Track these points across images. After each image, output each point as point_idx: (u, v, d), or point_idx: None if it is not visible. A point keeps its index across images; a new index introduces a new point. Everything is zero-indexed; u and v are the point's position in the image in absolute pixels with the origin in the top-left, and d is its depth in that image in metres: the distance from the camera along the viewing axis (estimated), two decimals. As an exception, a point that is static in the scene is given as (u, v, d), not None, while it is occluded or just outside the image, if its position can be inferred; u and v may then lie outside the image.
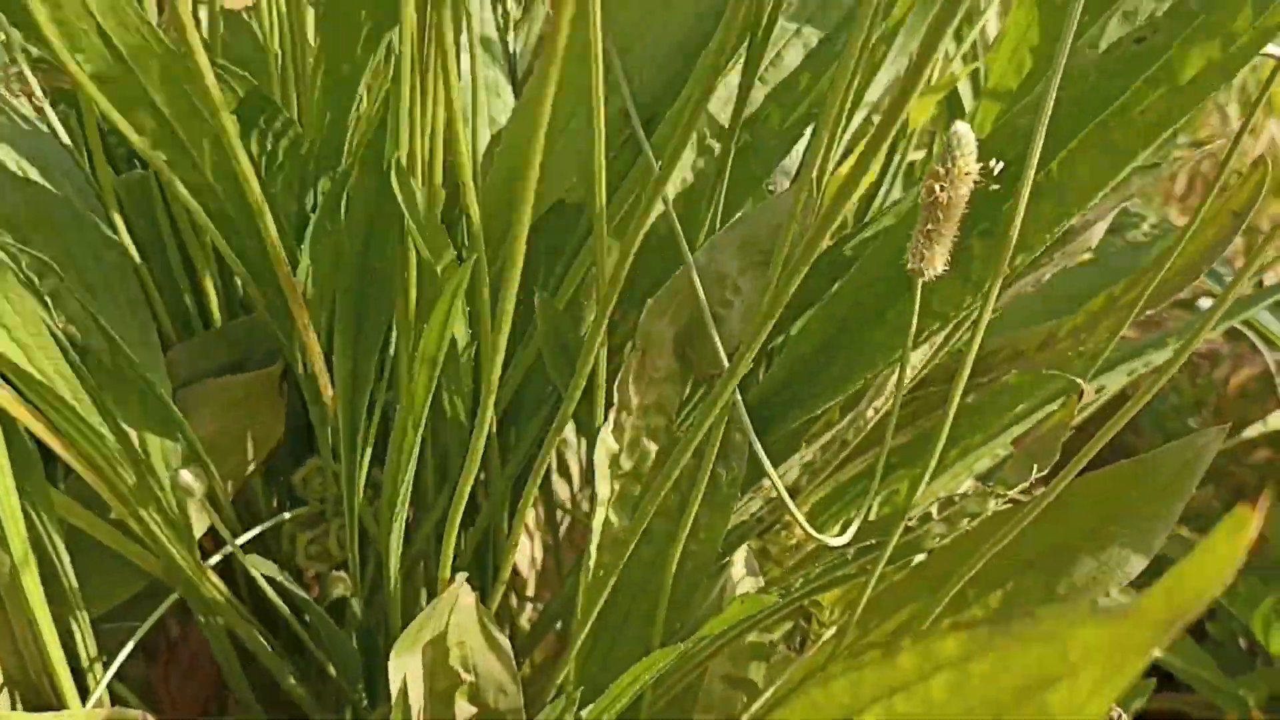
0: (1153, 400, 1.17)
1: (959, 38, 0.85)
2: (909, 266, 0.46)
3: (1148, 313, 0.58)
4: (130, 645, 0.63)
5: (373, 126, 0.56)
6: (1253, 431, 0.97)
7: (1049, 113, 0.45)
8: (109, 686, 0.64)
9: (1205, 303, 0.94)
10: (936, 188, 0.44)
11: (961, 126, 0.43)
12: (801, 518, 0.52)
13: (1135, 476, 0.54)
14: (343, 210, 0.60)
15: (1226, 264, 0.87)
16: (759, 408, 0.59)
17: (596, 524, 0.59)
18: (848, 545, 0.52)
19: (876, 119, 0.90)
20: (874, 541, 0.51)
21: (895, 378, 0.55)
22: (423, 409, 0.53)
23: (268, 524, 0.70)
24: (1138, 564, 0.54)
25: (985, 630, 0.23)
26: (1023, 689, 0.23)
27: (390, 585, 0.61)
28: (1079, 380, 0.56)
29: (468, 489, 0.53)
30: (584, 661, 0.60)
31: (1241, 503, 0.22)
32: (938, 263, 0.46)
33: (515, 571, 0.86)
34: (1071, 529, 0.54)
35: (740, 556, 0.61)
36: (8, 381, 0.55)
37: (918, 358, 0.56)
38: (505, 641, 0.55)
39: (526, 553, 0.90)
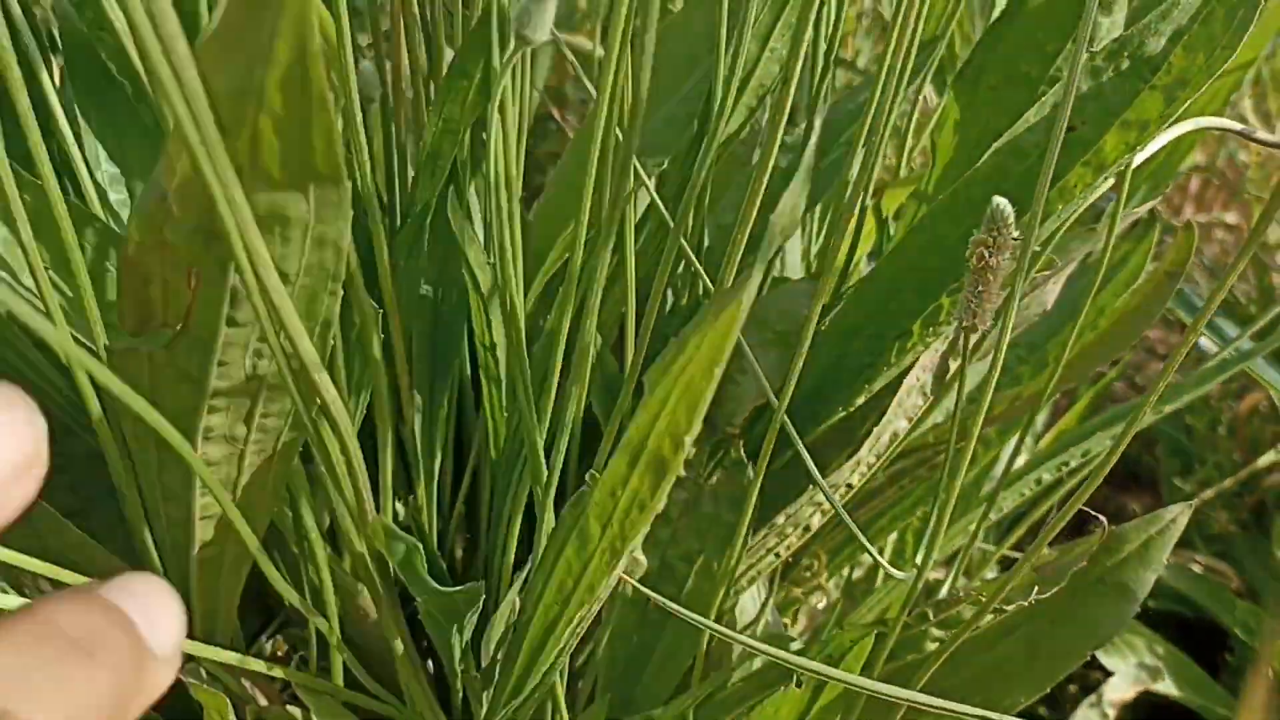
0: (1169, 419, 1.20)
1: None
2: (963, 324, 0.52)
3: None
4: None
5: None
6: (1265, 460, 1.00)
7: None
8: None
9: (1208, 343, 0.97)
10: (985, 253, 0.50)
11: (1001, 200, 0.49)
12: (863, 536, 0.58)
13: (1108, 547, 0.59)
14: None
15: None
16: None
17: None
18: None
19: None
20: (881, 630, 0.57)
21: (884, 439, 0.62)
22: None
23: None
24: (1114, 628, 0.59)
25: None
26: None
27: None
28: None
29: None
30: (612, 684, 0.67)
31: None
32: (987, 319, 0.52)
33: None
34: (1051, 596, 0.59)
35: (754, 598, 0.67)
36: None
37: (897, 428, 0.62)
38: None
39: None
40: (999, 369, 0.56)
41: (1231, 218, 1.51)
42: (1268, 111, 1.56)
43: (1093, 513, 0.55)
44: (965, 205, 0.58)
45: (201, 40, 0.34)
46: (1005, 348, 0.56)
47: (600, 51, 0.89)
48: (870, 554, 0.60)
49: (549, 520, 0.57)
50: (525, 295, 0.67)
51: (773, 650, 0.50)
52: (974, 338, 0.60)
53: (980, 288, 0.52)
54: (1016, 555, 0.99)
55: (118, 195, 0.64)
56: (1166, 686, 0.90)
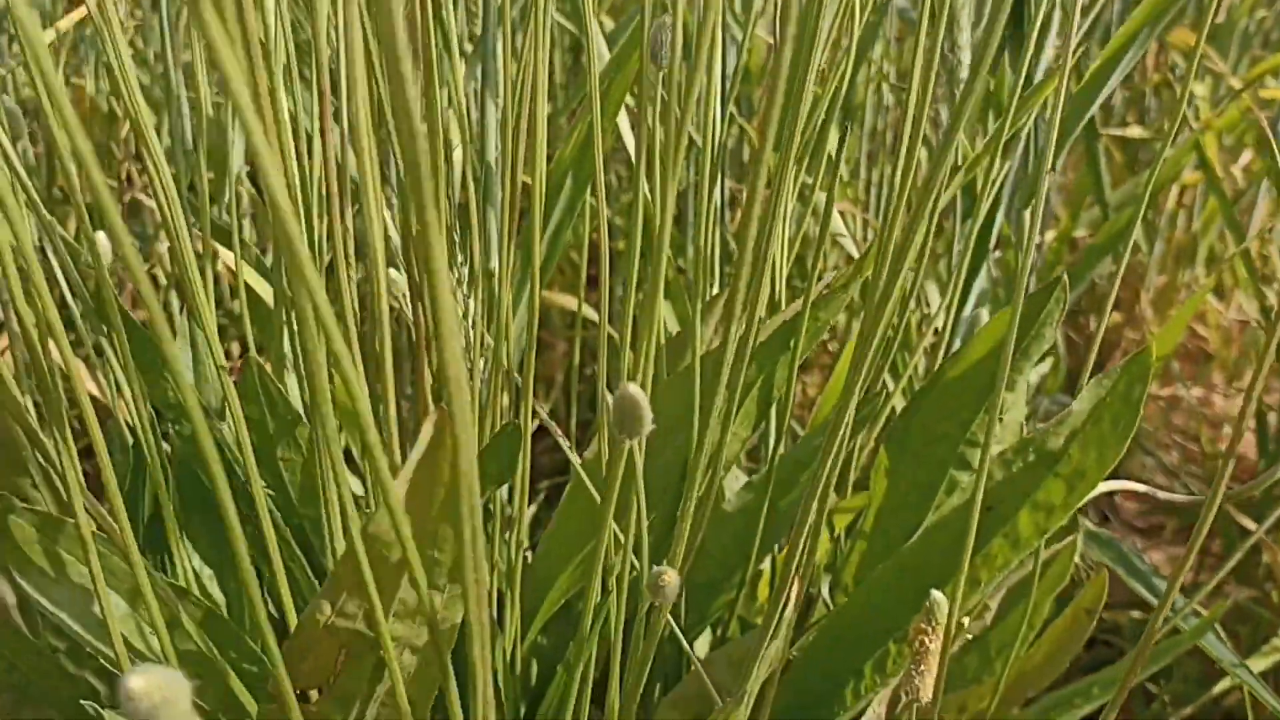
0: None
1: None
2: (905, 696, 0.61)
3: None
4: None
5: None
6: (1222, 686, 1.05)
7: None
8: None
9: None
10: (925, 639, 0.59)
11: (937, 594, 0.59)
12: None
13: None
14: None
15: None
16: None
17: None
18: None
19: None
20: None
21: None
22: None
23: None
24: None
25: None
26: None
27: None
28: None
29: None
30: None
31: None
32: (928, 691, 0.61)
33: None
34: None
35: None
36: None
37: None
38: None
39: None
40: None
41: (1198, 392, 1.60)
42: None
43: None
44: (900, 572, 0.68)
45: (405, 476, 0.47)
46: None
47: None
48: None
49: None
50: (523, 638, 0.76)
51: None
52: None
53: (922, 666, 0.61)
54: None
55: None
56: None
